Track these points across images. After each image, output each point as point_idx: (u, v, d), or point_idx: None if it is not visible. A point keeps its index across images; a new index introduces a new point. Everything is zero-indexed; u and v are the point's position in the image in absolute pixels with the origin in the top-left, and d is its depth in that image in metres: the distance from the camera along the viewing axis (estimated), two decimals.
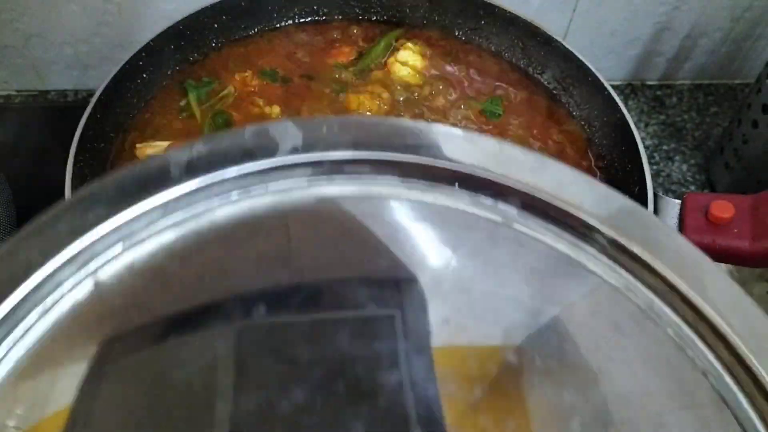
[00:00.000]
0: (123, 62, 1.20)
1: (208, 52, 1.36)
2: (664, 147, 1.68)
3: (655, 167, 1.62)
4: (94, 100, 1.14)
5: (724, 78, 1.84)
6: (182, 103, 1.27)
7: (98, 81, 1.17)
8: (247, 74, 1.31)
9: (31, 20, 1.46)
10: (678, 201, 1.04)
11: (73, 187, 1.03)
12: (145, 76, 1.26)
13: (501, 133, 1.26)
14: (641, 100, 1.79)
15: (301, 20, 1.44)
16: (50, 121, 1.51)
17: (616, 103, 1.19)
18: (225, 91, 1.28)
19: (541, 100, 1.34)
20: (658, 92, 1.82)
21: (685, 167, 1.64)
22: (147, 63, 1.25)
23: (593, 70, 1.24)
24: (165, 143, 1.19)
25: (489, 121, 1.29)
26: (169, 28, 1.27)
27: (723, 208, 0.98)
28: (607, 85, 1.21)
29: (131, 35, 1.23)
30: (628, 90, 1.80)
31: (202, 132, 1.21)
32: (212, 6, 1.32)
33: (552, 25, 1.31)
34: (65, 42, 1.52)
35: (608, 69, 1.23)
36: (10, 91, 1.60)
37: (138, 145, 1.19)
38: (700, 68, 1.80)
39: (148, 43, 1.24)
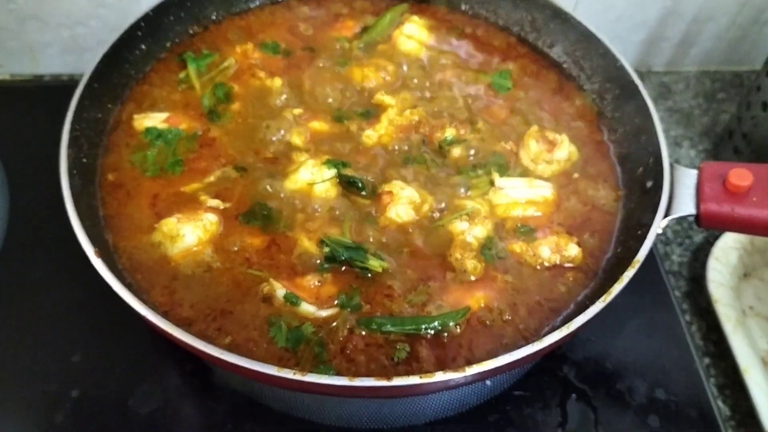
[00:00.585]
0: (121, 32, 1.16)
1: (208, 24, 1.33)
2: (672, 133, 1.65)
3: None
4: (90, 69, 1.10)
5: (730, 64, 1.81)
6: (181, 75, 1.23)
7: (97, 56, 1.13)
8: (248, 47, 1.28)
9: (26, 2, 1.43)
10: (694, 171, 1.01)
11: (69, 156, 0.99)
12: (143, 47, 1.22)
13: (510, 107, 1.23)
14: (647, 86, 1.75)
15: None
16: (46, 104, 1.47)
17: (629, 74, 1.16)
18: (225, 63, 1.24)
19: (551, 74, 1.31)
20: (665, 78, 1.79)
21: (693, 153, 1.61)
22: (145, 34, 1.22)
23: (605, 41, 1.21)
24: (163, 114, 1.15)
25: (498, 94, 1.26)
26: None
27: (741, 176, 0.95)
28: (619, 56, 1.19)
29: (130, 17, 1.20)
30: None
31: (202, 104, 1.18)
32: None
33: (558, 4, 1.28)
34: (62, 24, 1.49)
35: None
36: (5, 75, 1.57)
37: (135, 116, 1.15)
38: (706, 54, 1.78)
39: (147, 13, 1.21)
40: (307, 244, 1.01)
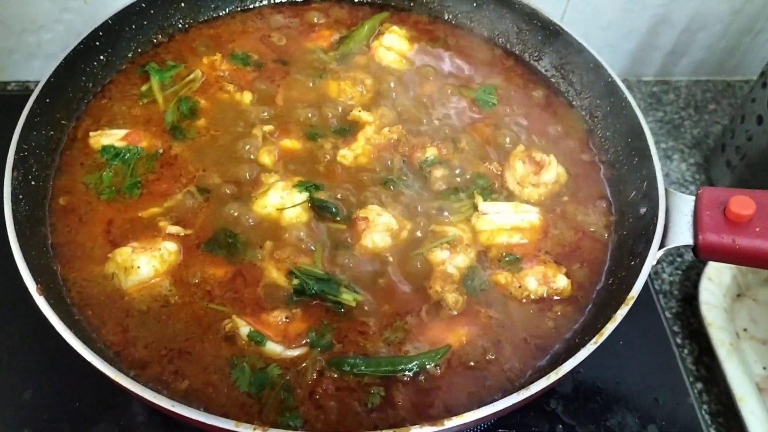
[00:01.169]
0: (76, 42, 1.08)
1: (173, 33, 1.24)
2: (662, 145, 1.60)
3: None
4: (42, 82, 1.02)
5: (722, 74, 1.76)
6: (143, 88, 1.15)
7: (50, 68, 1.06)
8: (216, 58, 1.19)
9: None
10: (692, 197, 0.94)
11: (14, 179, 0.91)
12: (102, 58, 1.14)
13: (495, 124, 1.16)
14: (638, 96, 1.70)
15: (278, 0, 1.33)
16: (10, 112, 1.40)
17: (621, 91, 1.09)
18: (191, 76, 1.16)
19: (538, 89, 1.24)
20: (655, 88, 1.74)
21: (684, 166, 1.56)
22: (105, 44, 1.14)
23: (595, 55, 1.14)
24: (122, 131, 1.07)
25: (482, 110, 1.18)
26: (130, 5, 1.16)
27: (743, 204, 0.88)
28: (610, 71, 1.12)
29: (96, 22, 1.13)
30: (625, 85, 1.72)
31: (164, 119, 1.10)
32: None
33: (546, 14, 1.22)
34: (26, 29, 1.42)
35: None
36: None
37: (92, 133, 1.07)
38: (698, 64, 1.72)
39: (106, 21, 1.13)
40: (275, 275, 0.93)
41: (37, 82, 1.45)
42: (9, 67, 1.49)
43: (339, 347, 0.88)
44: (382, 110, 1.14)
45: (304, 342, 0.88)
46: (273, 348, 0.86)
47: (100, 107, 1.12)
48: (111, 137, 1.06)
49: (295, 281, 0.91)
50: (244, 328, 0.87)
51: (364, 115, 1.13)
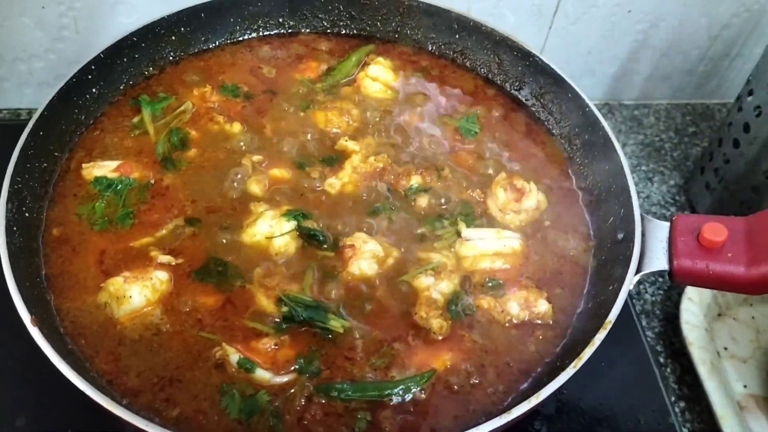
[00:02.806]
0: (69, 76, 1.11)
1: (164, 65, 1.27)
2: (643, 167, 1.64)
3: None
4: (36, 115, 1.04)
5: (701, 97, 1.80)
6: (135, 120, 1.17)
7: (44, 102, 1.07)
8: (206, 89, 1.22)
9: None
10: (666, 223, 0.97)
11: (9, 211, 0.93)
12: (94, 90, 1.16)
13: (478, 152, 1.19)
14: (618, 119, 1.74)
15: (266, 33, 1.36)
16: (1, 140, 1.41)
17: (598, 120, 1.13)
18: (182, 107, 1.19)
19: (519, 117, 1.27)
20: (635, 112, 1.77)
21: (664, 188, 1.59)
22: (97, 77, 1.16)
23: (573, 85, 1.18)
24: (114, 163, 1.09)
25: (465, 139, 1.22)
26: (121, 39, 1.18)
27: (716, 230, 0.92)
28: (588, 101, 1.15)
29: (89, 51, 1.15)
30: (605, 109, 1.76)
31: (155, 150, 1.12)
32: (169, 17, 1.23)
33: (527, 43, 1.25)
34: (17, 58, 1.44)
35: (585, 88, 1.18)
36: None
37: (84, 165, 1.09)
38: (677, 87, 1.77)
39: (98, 55, 1.15)
40: (264, 302, 0.95)
41: (29, 110, 1.50)
42: (0, 95, 1.51)
43: (327, 373, 0.90)
44: (368, 139, 1.17)
45: (292, 368, 0.90)
46: (262, 375, 0.88)
47: (93, 139, 1.14)
48: (103, 168, 1.08)
49: (284, 308, 0.94)
50: (233, 356, 0.89)
51: (351, 145, 1.16)
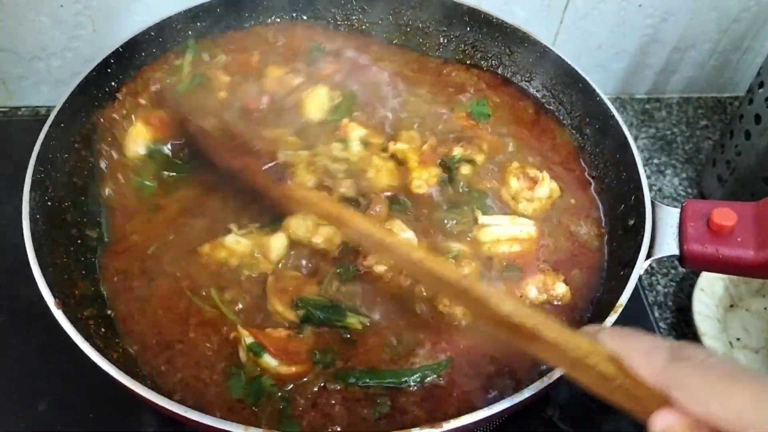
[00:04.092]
0: (90, 68, 1.13)
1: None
2: (655, 161, 1.64)
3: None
4: (57, 107, 1.07)
5: (712, 91, 1.81)
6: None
7: (65, 94, 1.10)
8: None
9: None
10: (677, 209, 0.98)
11: (32, 199, 0.96)
12: (113, 84, 1.19)
13: (491, 143, 1.20)
14: (630, 113, 1.75)
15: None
16: (20, 137, 1.44)
17: (609, 109, 1.14)
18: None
19: (529, 107, 1.29)
20: (647, 105, 1.78)
21: (676, 181, 1.60)
22: (116, 71, 1.19)
23: (584, 75, 1.19)
24: None
25: (478, 123, 1.23)
26: (140, 34, 1.21)
27: (725, 215, 0.93)
28: (598, 90, 1.17)
29: (105, 49, 1.18)
30: (617, 104, 1.77)
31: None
32: (186, 12, 1.26)
33: (538, 38, 1.27)
34: (36, 56, 1.47)
35: (596, 82, 1.19)
36: None
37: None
38: (688, 81, 1.77)
39: (117, 49, 1.18)
40: (279, 308, 0.95)
41: (47, 107, 1.53)
42: (19, 92, 1.54)
43: (343, 363, 0.91)
44: (411, 133, 1.18)
45: (308, 358, 0.91)
46: (269, 361, 0.89)
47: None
48: None
49: (300, 312, 0.94)
50: (247, 338, 0.90)
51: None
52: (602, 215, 1.12)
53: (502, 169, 1.15)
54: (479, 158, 1.15)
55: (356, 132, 1.14)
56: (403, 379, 0.89)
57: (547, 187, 1.11)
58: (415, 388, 0.89)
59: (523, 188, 1.11)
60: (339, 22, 1.41)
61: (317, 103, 1.18)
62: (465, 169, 1.13)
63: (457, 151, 1.14)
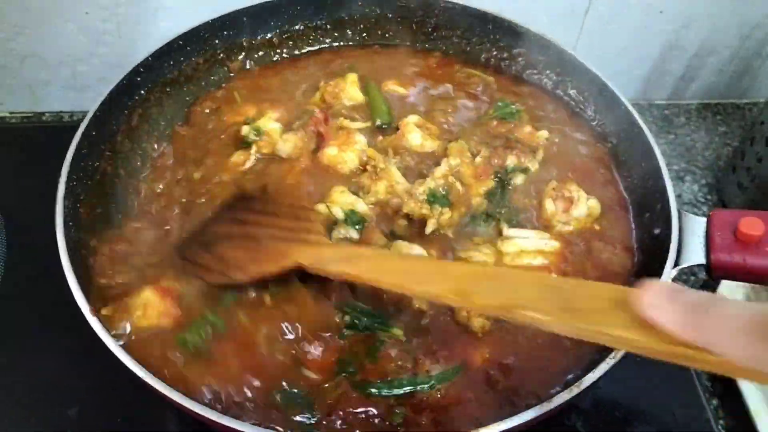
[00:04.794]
0: (119, 78, 1.15)
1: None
2: (674, 167, 1.64)
3: None
4: (89, 115, 1.09)
5: (732, 97, 1.81)
6: None
7: (96, 103, 1.11)
8: None
9: (26, 40, 1.42)
10: (703, 219, 0.99)
11: (65, 207, 0.97)
12: (142, 92, 1.21)
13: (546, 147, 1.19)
14: (649, 119, 1.75)
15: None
16: (46, 142, 1.46)
17: (634, 118, 1.14)
18: None
19: (559, 112, 1.29)
20: (666, 111, 1.78)
21: (696, 187, 1.60)
22: (145, 79, 1.21)
23: (607, 82, 1.20)
24: None
25: (509, 122, 1.22)
26: (168, 42, 1.23)
27: (753, 225, 0.93)
28: (623, 99, 1.17)
29: (131, 55, 1.19)
30: (637, 109, 1.76)
31: None
32: (213, 21, 1.28)
33: (559, 44, 1.28)
34: (62, 62, 1.49)
35: (616, 88, 1.20)
36: (4, 113, 1.55)
37: None
38: (708, 87, 1.77)
39: (147, 58, 1.19)
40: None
41: (71, 113, 1.55)
42: (44, 98, 1.55)
43: (363, 373, 0.91)
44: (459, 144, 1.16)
45: (331, 368, 0.92)
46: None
47: None
48: None
49: (346, 317, 0.95)
50: None
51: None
52: (631, 226, 1.11)
53: (539, 189, 1.14)
54: (533, 166, 1.14)
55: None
56: (419, 387, 0.90)
57: (585, 206, 1.09)
58: (431, 395, 0.90)
59: (558, 211, 1.09)
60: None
61: None
62: (519, 179, 1.12)
63: (511, 160, 1.13)
